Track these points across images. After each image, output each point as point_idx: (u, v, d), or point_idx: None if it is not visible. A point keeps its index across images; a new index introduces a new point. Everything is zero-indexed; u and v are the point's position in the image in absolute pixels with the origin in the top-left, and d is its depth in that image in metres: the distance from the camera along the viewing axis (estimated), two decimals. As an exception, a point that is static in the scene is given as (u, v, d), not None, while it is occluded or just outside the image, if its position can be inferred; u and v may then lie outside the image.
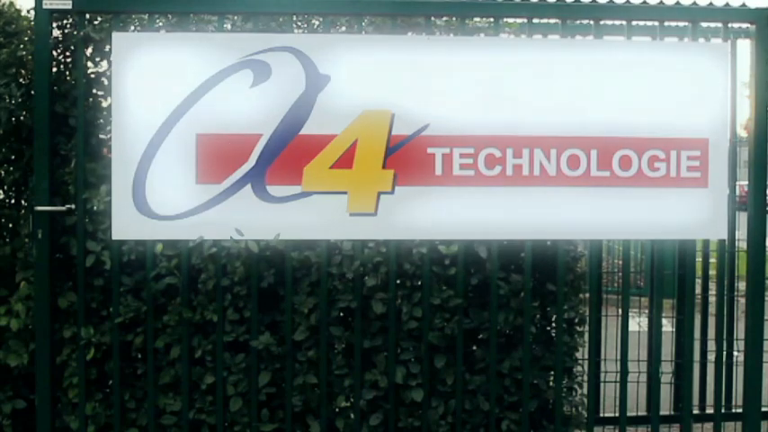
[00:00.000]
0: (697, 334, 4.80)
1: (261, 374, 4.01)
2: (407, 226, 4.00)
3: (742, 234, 4.50)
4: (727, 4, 4.33)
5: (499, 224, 4.02)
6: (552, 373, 4.11)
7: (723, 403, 5.01)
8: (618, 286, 4.69)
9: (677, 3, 4.27)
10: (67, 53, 4.13)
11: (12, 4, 4.25)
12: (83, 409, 4.02)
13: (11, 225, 4.20)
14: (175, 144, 3.94)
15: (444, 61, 4.01)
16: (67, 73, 4.11)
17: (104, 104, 4.10)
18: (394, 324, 3.99)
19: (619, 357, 4.21)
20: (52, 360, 4.03)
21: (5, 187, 4.20)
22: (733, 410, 4.99)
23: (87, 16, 4.05)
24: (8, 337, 4.06)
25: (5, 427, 4.08)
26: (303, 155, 3.97)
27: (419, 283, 4.03)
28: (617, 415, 4.28)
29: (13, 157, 4.16)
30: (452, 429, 4.05)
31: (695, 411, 4.89)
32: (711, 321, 5.01)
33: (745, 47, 4.49)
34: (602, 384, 4.69)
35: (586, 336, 4.32)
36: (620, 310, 4.20)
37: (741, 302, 4.65)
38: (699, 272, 5.00)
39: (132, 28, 4.12)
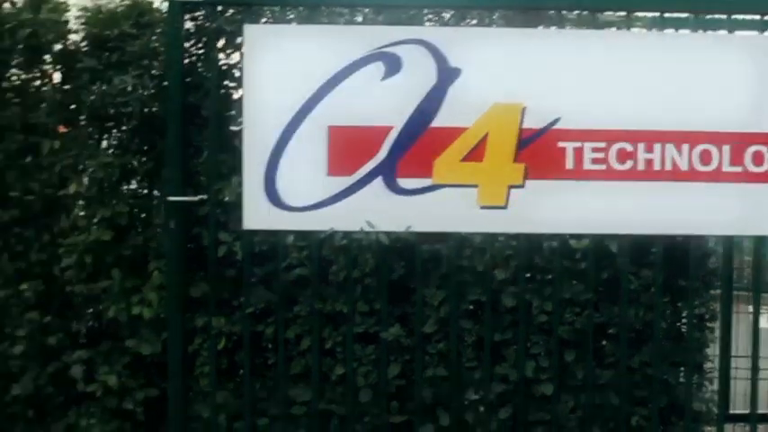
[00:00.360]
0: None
1: (390, 366, 4.02)
2: (538, 219, 3.97)
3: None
4: None
5: (630, 219, 3.97)
6: (682, 369, 4.09)
7: None
8: (749, 282, 4.65)
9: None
10: (199, 45, 4.17)
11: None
12: (214, 398, 4.06)
13: (143, 215, 4.25)
14: (306, 136, 3.94)
15: (575, 55, 3.99)
16: (199, 65, 4.15)
17: (236, 96, 4.12)
18: (524, 318, 3.98)
19: (750, 354, 4.18)
20: (184, 349, 4.07)
21: (138, 177, 4.24)
22: None
23: (219, 8, 4.08)
24: (141, 325, 4.11)
25: (138, 414, 4.13)
26: (434, 147, 3.96)
27: (549, 276, 4.02)
28: (747, 412, 4.24)
29: (145, 147, 4.21)
30: (582, 424, 4.03)
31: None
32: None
33: None
34: (732, 381, 4.65)
35: (717, 332, 4.29)
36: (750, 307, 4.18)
37: None
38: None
39: (264, 20, 4.13)
